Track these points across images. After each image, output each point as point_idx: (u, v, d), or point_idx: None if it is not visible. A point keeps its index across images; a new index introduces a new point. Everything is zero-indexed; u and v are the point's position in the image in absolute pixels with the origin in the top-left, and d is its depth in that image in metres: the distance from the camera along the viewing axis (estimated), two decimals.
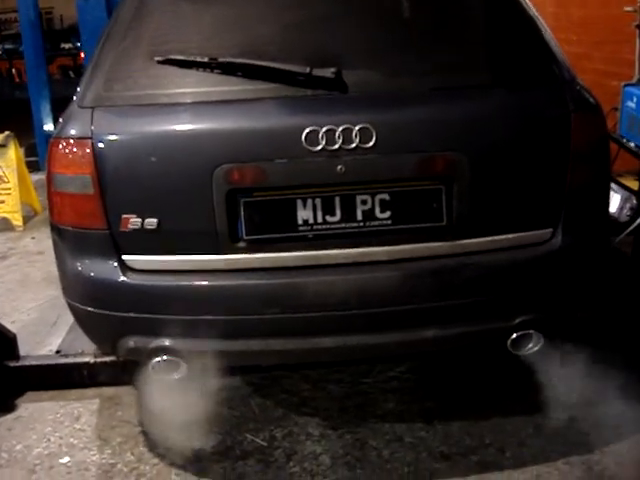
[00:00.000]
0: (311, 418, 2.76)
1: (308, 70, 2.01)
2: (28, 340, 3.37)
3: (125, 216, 2.06)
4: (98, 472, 2.52)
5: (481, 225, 2.11)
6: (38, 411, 2.92)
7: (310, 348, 2.10)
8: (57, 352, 3.19)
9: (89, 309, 2.17)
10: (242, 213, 2.05)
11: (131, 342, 2.16)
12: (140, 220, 2.05)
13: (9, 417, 2.89)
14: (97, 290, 2.14)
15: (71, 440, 2.71)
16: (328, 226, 2.06)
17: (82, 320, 2.26)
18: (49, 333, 3.43)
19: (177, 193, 2.04)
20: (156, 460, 2.56)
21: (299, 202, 2.05)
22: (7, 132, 5.37)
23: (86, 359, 3.07)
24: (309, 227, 2.06)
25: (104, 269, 2.12)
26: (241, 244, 2.07)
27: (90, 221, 2.10)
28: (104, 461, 2.57)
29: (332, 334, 2.09)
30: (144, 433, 2.73)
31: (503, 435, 2.60)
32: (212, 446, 2.62)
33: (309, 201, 2.05)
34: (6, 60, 17.48)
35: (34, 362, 3.07)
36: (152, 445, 2.65)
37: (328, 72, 2.01)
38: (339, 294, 2.05)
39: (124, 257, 2.11)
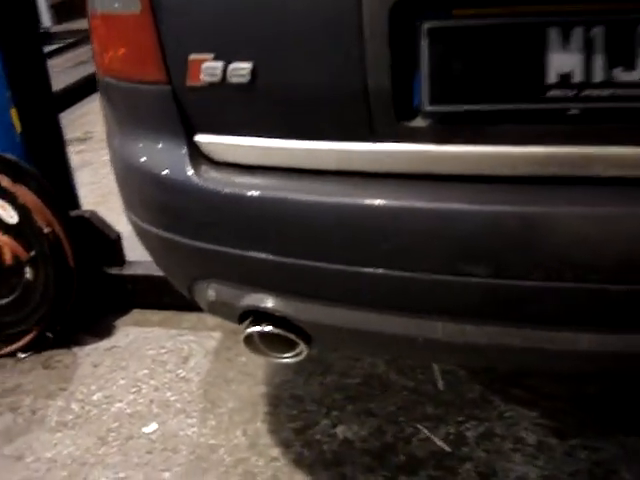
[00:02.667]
0: (526, 411, 1.71)
1: None
2: None
3: (195, 57, 1.05)
4: (189, 458, 1.68)
5: None
6: (138, 341, 2.14)
7: (552, 350, 1.00)
8: None
9: (145, 226, 1.23)
10: (424, 55, 0.95)
11: (211, 292, 1.20)
12: (221, 65, 1.03)
13: (101, 346, 2.14)
14: (152, 195, 1.19)
15: (168, 395, 1.89)
16: (614, 92, 0.90)
17: (143, 243, 1.33)
18: None
19: (290, 13, 0.98)
20: (276, 452, 1.66)
21: (552, 33, 0.90)
22: None
23: None
24: (572, 91, 0.91)
25: (162, 158, 1.14)
26: (419, 122, 0.98)
27: (137, 65, 1.12)
28: (202, 440, 1.73)
29: (598, 327, 0.98)
30: (268, 400, 1.84)
31: None
32: (362, 438, 1.67)
33: (577, 32, 0.90)
34: None
35: (142, 271, 2.26)
36: (275, 424, 1.76)
37: None
38: (628, 245, 0.92)
39: (197, 138, 1.12)
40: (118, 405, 1.87)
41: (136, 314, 2.28)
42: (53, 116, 2.20)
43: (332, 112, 1.00)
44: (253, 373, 1.94)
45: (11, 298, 2.06)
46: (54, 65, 4.88)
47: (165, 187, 1.15)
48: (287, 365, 1.91)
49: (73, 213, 2.20)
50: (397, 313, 1.05)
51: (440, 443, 1.64)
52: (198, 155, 1.12)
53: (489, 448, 1.61)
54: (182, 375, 1.96)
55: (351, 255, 1.04)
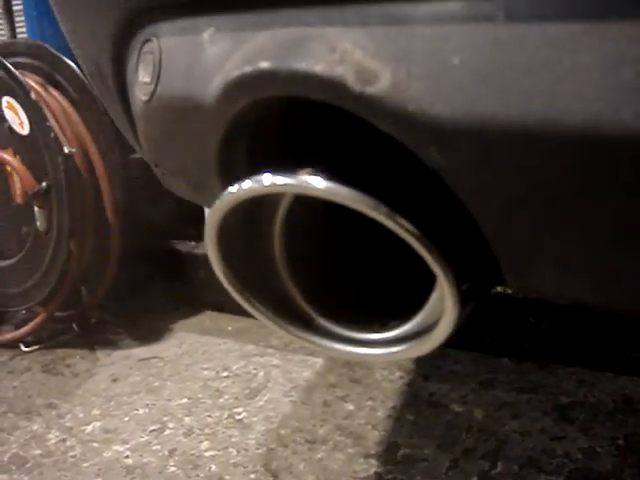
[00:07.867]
0: None
1: None
2: None
3: None
4: None
5: None
6: (194, 355, 1.35)
7: None
8: None
9: None
10: None
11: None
12: None
13: (137, 353, 1.37)
14: None
15: (203, 447, 1.06)
16: None
17: None
18: None
19: None
20: None
21: None
22: None
23: None
24: None
25: None
26: None
27: None
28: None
29: None
30: None
31: None
32: None
33: None
34: None
35: None
36: None
37: None
38: None
39: None
40: (116, 449, 1.06)
41: (206, 317, 1.49)
42: None
43: None
44: (363, 434, 1.06)
45: (17, 258, 1.35)
46: None
47: None
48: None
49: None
50: None
51: None
52: None
53: None
54: (240, 417, 1.13)
55: None
